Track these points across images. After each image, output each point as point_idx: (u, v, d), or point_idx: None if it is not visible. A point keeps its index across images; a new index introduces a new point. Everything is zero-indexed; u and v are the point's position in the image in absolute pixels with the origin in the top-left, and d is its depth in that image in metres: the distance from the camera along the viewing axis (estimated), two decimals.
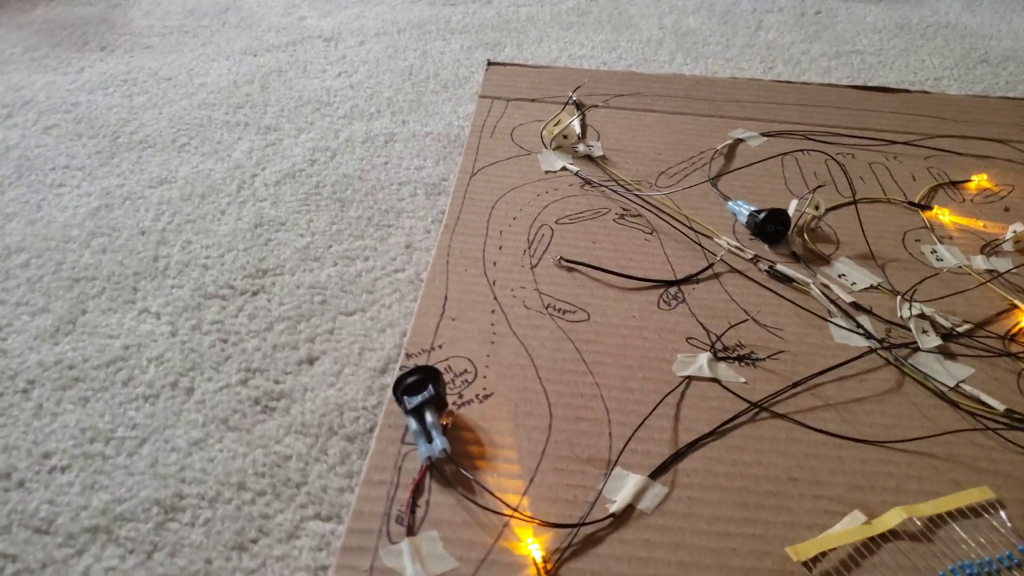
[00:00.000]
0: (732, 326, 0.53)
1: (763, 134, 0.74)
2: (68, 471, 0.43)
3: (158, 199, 0.64)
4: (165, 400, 0.48)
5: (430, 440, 0.42)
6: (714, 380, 0.49)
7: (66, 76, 0.82)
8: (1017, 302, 0.55)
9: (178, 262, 0.58)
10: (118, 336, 0.52)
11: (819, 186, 0.65)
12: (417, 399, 0.44)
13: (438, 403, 0.44)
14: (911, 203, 0.65)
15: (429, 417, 0.43)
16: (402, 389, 0.44)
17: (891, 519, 0.41)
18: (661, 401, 0.47)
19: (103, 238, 0.60)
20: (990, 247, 0.61)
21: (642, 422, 0.46)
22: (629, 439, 0.45)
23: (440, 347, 0.50)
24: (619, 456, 0.44)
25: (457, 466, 0.42)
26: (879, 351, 0.51)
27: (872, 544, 0.40)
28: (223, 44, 0.90)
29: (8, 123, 0.74)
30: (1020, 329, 0.54)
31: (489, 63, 0.85)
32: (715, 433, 0.46)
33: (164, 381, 0.49)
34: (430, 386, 0.44)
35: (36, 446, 0.44)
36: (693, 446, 0.45)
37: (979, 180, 0.69)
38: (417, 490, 0.41)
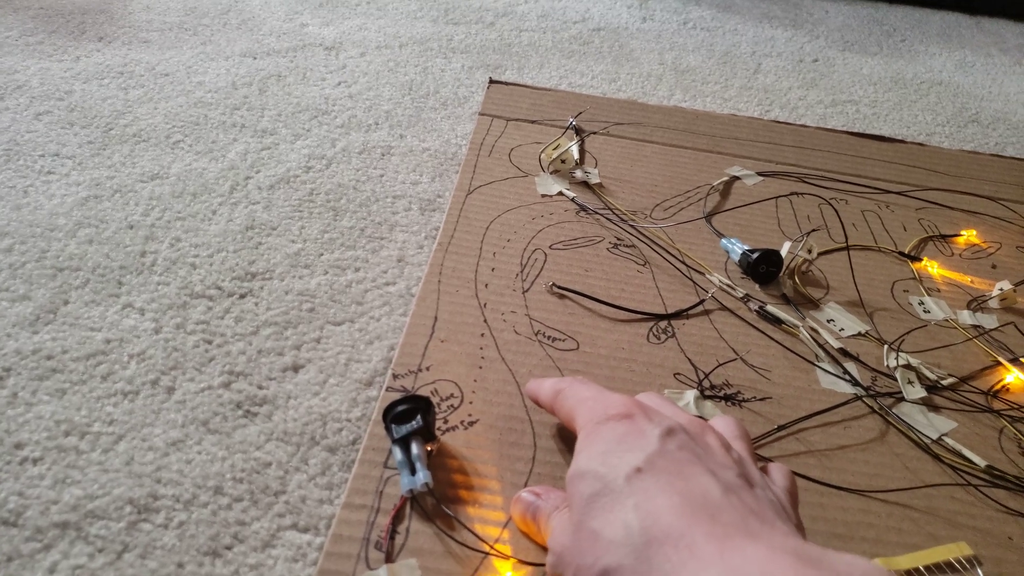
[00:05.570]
0: (720, 364, 0.53)
1: (759, 173, 0.74)
2: (40, 463, 0.42)
3: (148, 194, 0.63)
4: (145, 398, 0.46)
5: (413, 472, 0.41)
6: (700, 418, 0.49)
7: (61, 63, 0.81)
8: (1001, 359, 0.56)
9: (165, 259, 0.57)
10: (100, 329, 0.51)
11: (814, 230, 0.66)
12: (404, 429, 0.42)
13: (425, 434, 0.43)
14: (902, 253, 0.66)
15: (415, 448, 0.42)
16: (391, 417, 0.43)
17: None
18: None
19: (90, 229, 0.59)
20: (976, 303, 0.62)
21: None
22: None
23: (427, 369, 0.50)
24: None
25: (438, 501, 0.41)
26: (864, 399, 0.52)
27: None
28: (223, 44, 0.90)
29: None
30: (1003, 386, 0.54)
31: (491, 81, 0.85)
32: None
33: (145, 378, 0.48)
34: (419, 416, 0.43)
35: (8, 435, 0.43)
36: None
37: (968, 235, 0.70)
38: (397, 517, 0.40)
